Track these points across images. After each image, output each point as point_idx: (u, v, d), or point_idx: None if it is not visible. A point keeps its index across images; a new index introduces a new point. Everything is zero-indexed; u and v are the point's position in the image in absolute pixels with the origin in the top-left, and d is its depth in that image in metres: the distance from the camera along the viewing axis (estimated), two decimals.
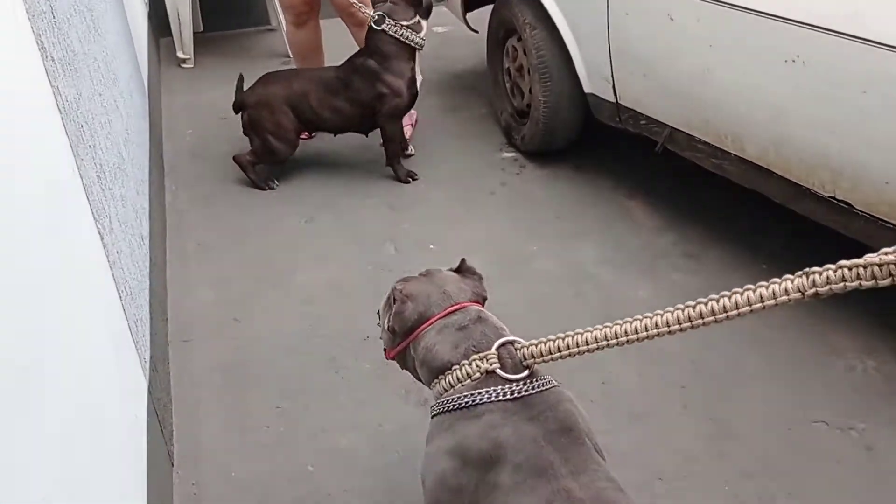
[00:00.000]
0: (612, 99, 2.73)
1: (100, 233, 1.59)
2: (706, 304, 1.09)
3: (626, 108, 2.69)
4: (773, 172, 2.24)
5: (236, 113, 3.10)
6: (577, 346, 1.22)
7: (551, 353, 1.25)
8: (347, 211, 2.94)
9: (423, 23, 3.01)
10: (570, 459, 1.21)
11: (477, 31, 3.55)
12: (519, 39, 3.11)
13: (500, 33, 3.26)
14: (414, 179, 3.11)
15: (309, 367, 2.22)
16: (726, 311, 1.08)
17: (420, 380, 1.46)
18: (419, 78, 3.12)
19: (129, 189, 2.11)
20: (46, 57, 1.41)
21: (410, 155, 3.26)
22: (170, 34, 4.24)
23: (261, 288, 2.55)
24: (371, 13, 2.98)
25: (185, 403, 2.12)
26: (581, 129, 3.09)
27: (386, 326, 1.46)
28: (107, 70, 2.15)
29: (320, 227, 2.86)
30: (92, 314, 1.42)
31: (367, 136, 3.20)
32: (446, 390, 1.33)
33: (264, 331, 2.37)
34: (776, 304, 1.03)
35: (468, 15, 3.51)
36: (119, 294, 1.66)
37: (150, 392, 1.80)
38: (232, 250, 2.74)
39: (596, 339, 1.20)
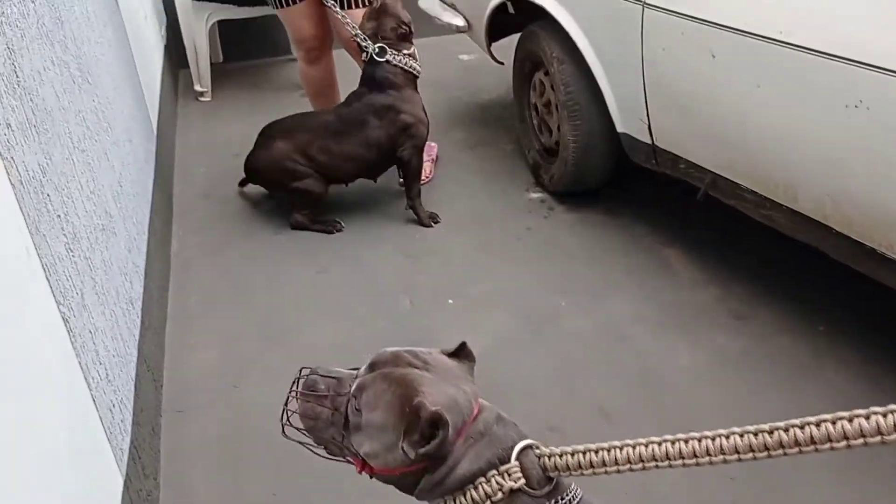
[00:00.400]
0: (648, 140, 2.51)
1: (63, 317, 1.41)
2: (770, 433, 0.89)
3: (664, 150, 2.47)
4: (832, 228, 1.99)
5: (250, 183, 3.00)
6: (616, 463, 1.00)
7: (581, 468, 1.03)
8: (361, 260, 2.75)
9: (416, 50, 2.91)
10: None
11: (502, 63, 3.35)
12: (546, 73, 2.90)
13: (527, 66, 3.06)
14: (436, 223, 2.91)
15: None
16: (783, 448, 0.89)
17: (407, 491, 1.13)
18: None
19: (116, 250, 1.94)
20: None
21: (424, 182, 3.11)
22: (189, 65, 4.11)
23: (265, 348, 2.36)
24: (371, 46, 2.81)
25: (174, 483, 1.93)
26: (614, 170, 2.87)
27: (412, 456, 1.06)
28: (96, 120, 1.99)
29: (332, 279, 2.67)
30: (45, 420, 1.24)
31: (375, 182, 3.01)
32: None
33: (264, 400, 2.16)
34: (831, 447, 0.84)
35: (494, 45, 3.31)
36: (88, 383, 1.48)
37: (126, 486, 1.61)
38: (237, 305, 2.56)
39: (639, 457, 0.98)
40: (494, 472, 1.05)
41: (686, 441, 0.95)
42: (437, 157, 3.31)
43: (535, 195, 3.08)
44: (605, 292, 2.51)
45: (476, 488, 1.06)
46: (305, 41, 3.11)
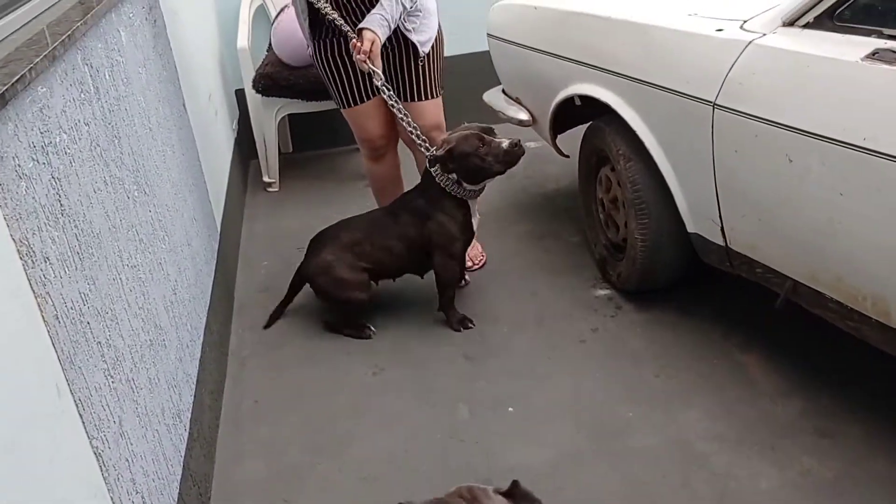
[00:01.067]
0: (721, 242, 2.36)
1: (96, 451, 1.36)
2: None
3: (738, 253, 2.32)
4: None
5: (300, 287, 2.95)
6: None
7: None
8: (418, 362, 2.65)
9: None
10: None
11: (568, 157, 3.27)
12: (612, 169, 2.80)
13: (593, 161, 2.97)
14: (468, 327, 2.81)
15: None
16: None
17: None
18: (476, 218, 2.86)
19: (165, 364, 1.90)
20: (34, 262, 1.22)
21: (465, 285, 3.05)
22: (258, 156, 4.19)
23: (316, 460, 2.28)
24: (431, 150, 2.77)
25: None
26: (685, 269, 2.72)
27: None
28: (151, 231, 1.99)
29: (388, 382, 2.58)
30: None
31: (422, 278, 2.94)
32: None
33: None
34: None
35: (559, 137, 3.24)
36: None
37: None
38: (290, 410, 2.49)
39: None
40: None
41: None
42: (484, 263, 3.24)
43: (602, 292, 2.95)
44: (676, 403, 2.34)
45: None
46: (370, 141, 3.09)
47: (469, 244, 2.93)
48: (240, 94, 4.14)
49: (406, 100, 2.94)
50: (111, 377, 1.49)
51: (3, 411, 1.05)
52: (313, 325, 2.91)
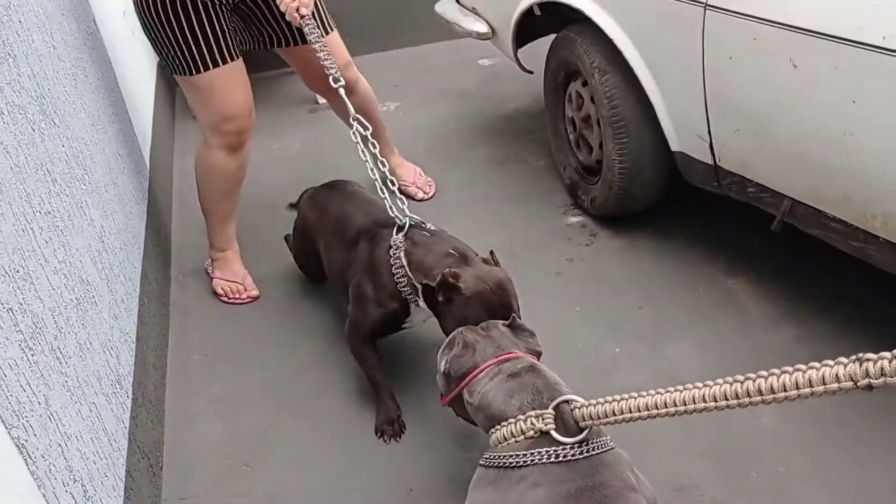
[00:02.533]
0: (709, 160, 2.17)
1: (18, 443, 1.10)
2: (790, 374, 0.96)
3: (729, 172, 2.13)
4: None
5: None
6: (639, 409, 1.14)
7: (609, 415, 1.20)
8: (407, 338, 2.41)
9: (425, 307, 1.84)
10: None
11: (531, 72, 3.02)
12: (584, 84, 2.57)
13: (561, 76, 2.73)
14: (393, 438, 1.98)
15: None
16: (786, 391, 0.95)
17: (477, 425, 1.48)
18: (421, 316, 1.96)
19: (98, 323, 1.63)
20: None
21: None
22: None
23: (280, 419, 2.05)
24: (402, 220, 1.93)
25: None
26: (664, 191, 2.54)
27: (442, 370, 1.56)
28: (67, 170, 1.68)
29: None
30: None
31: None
32: (500, 443, 1.35)
33: (281, 484, 1.87)
34: (825, 391, 0.93)
35: (520, 51, 2.97)
36: None
37: None
38: (245, 364, 2.25)
39: (662, 404, 1.12)
40: (531, 413, 1.31)
41: (712, 385, 1.04)
42: (435, 192, 2.97)
43: (575, 219, 2.75)
44: (664, 336, 2.19)
45: (514, 424, 1.32)
46: (236, 118, 2.27)
47: (387, 330, 2.01)
48: None
49: (298, 42, 2.38)
50: (30, 349, 1.22)
51: None
52: (265, 265, 2.63)
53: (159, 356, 2.18)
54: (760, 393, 0.98)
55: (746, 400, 1.00)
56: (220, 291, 2.53)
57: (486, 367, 1.46)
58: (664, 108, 2.24)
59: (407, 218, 1.92)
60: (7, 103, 1.40)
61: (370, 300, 1.93)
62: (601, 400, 1.22)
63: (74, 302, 1.51)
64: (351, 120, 2.06)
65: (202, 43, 2.14)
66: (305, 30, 2.17)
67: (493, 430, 1.38)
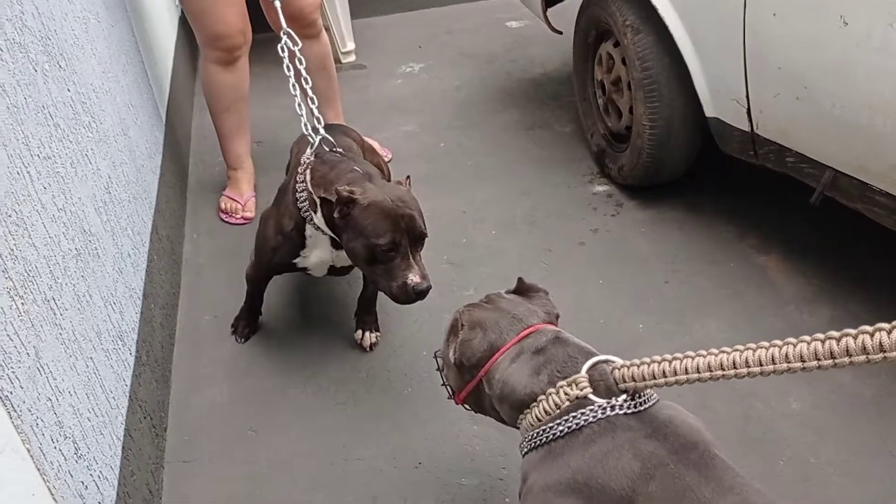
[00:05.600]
0: (746, 127, 2.06)
1: (0, 395, 1.04)
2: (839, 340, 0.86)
3: (766, 140, 2.02)
4: None
5: None
6: (685, 371, 1.01)
7: (655, 377, 1.05)
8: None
9: (322, 224, 1.77)
10: (710, 477, 1.04)
11: (560, 33, 2.90)
12: (616, 45, 2.45)
13: (591, 36, 2.61)
14: (234, 337, 2.13)
15: None
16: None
17: (503, 421, 1.31)
18: (317, 258, 1.88)
19: (99, 276, 1.57)
20: None
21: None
22: None
23: (287, 382, 1.99)
24: (313, 138, 1.90)
25: None
26: (694, 161, 2.43)
27: (452, 360, 1.32)
28: (72, 115, 1.61)
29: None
30: None
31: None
32: (534, 426, 1.18)
33: (287, 449, 1.81)
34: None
35: (550, 11, 2.85)
36: (44, 475, 1.12)
37: None
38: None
39: (708, 366, 0.99)
40: (563, 383, 1.15)
41: (755, 350, 0.94)
42: (390, 158, 2.84)
43: (601, 188, 2.64)
44: (691, 312, 2.09)
45: (547, 399, 1.15)
46: (227, 37, 2.40)
47: (292, 269, 1.94)
48: None
49: None
50: (20, 297, 1.16)
51: None
52: None
53: (168, 315, 2.12)
54: (802, 360, 0.90)
55: (798, 365, 0.90)
56: (221, 206, 2.67)
57: (506, 349, 1.25)
58: (700, 70, 2.12)
59: (319, 137, 1.89)
60: (6, 40, 1.32)
61: (270, 225, 1.89)
62: (644, 360, 1.08)
63: (74, 252, 1.45)
64: (281, 33, 2.09)
65: None
66: None
67: (520, 418, 1.22)
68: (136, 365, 1.70)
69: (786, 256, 2.24)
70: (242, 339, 2.12)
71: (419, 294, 1.66)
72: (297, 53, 2.07)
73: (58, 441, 1.20)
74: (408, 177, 1.85)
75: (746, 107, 2.02)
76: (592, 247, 2.38)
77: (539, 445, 1.16)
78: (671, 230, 2.41)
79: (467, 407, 1.38)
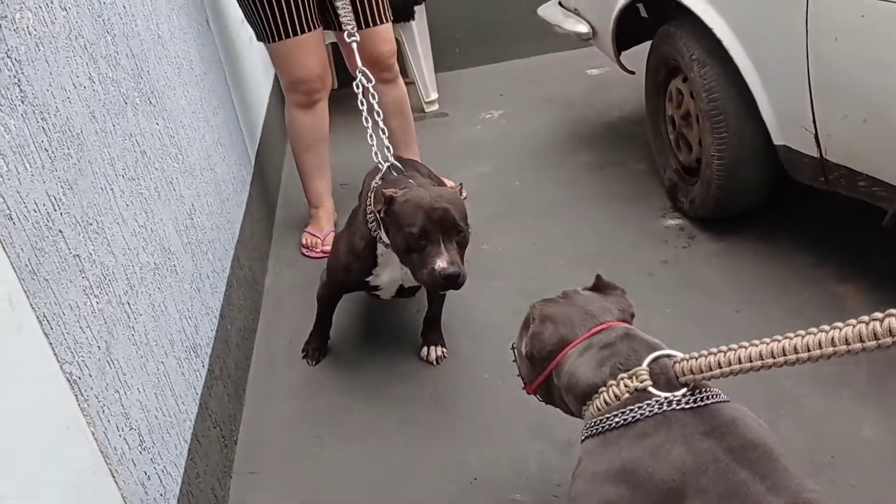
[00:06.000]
0: (815, 153, 2.02)
1: (70, 378, 1.16)
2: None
3: (836, 165, 1.98)
4: None
5: None
6: (745, 360, 1.05)
7: (711, 369, 1.09)
8: (467, 299, 2.39)
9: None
10: (766, 476, 1.03)
11: (633, 73, 2.94)
12: (685, 80, 2.47)
13: (661, 74, 2.64)
14: (307, 360, 2.24)
15: None
16: None
17: (570, 412, 1.36)
18: (389, 277, 2.00)
19: (176, 291, 1.70)
20: None
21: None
22: None
23: (352, 402, 2.07)
24: (383, 163, 2.05)
25: None
26: (767, 191, 2.39)
27: (524, 352, 1.38)
28: (159, 146, 1.78)
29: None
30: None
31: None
32: (594, 416, 1.22)
33: (349, 460, 1.87)
34: None
35: (623, 54, 2.91)
36: (106, 457, 1.22)
37: None
38: (327, 351, 2.29)
39: (771, 353, 1.01)
40: (624, 376, 1.18)
41: (804, 336, 0.97)
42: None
43: (673, 222, 2.63)
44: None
45: (608, 391, 1.19)
46: (307, 81, 2.59)
47: (351, 287, 2.10)
48: None
49: (361, 26, 2.55)
50: (95, 296, 1.29)
51: None
52: None
53: (245, 338, 2.25)
54: (861, 340, 0.90)
55: (858, 346, 0.91)
56: (303, 241, 2.83)
57: (576, 344, 1.28)
58: (765, 98, 2.11)
59: (388, 163, 2.02)
60: (100, 73, 1.49)
61: (343, 245, 2.03)
62: (702, 353, 1.11)
63: (152, 266, 1.58)
64: (357, 71, 2.24)
65: (279, 14, 2.45)
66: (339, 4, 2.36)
67: (584, 409, 1.26)
68: (207, 377, 1.81)
69: (865, 286, 2.16)
70: (313, 363, 2.22)
71: (446, 279, 1.72)
72: (371, 89, 2.22)
73: (123, 430, 1.30)
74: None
75: (814, 132, 2.00)
76: (661, 277, 2.36)
77: (595, 434, 1.20)
78: (744, 260, 2.37)
79: (539, 398, 1.44)
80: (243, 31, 3.15)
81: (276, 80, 3.80)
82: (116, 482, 1.24)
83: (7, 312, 1.02)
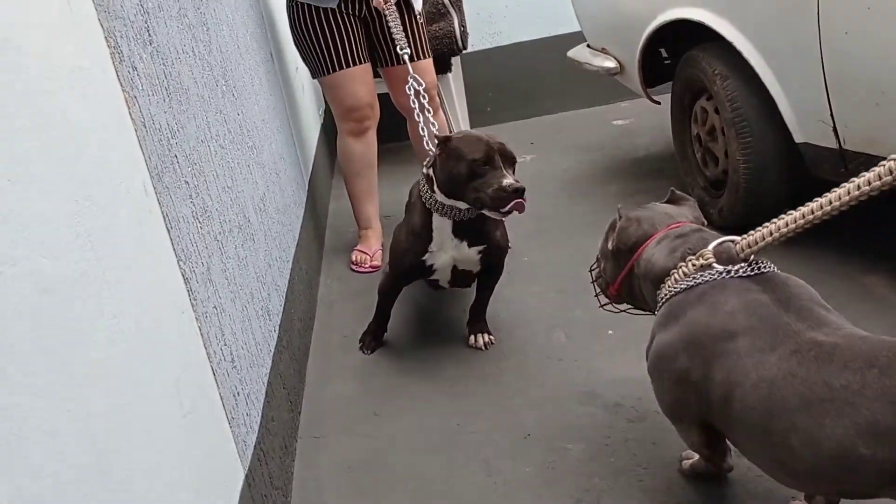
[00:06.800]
0: (834, 144, 2.19)
1: (184, 275, 1.32)
2: None
3: (855, 153, 2.14)
4: None
5: None
6: (792, 222, 1.25)
7: (765, 238, 1.28)
8: (507, 300, 2.53)
9: (436, 187, 2.08)
10: (808, 318, 1.19)
11: (659, 103, 3.16)
12: (708, 98, 2.67)
13: (686, 98, 2.85)
14: (362, 349, 2.36)
15: (456, 470, 1.79)
16: None
17: (646, 306, 1.55)
18: (446, 256, 2.16)
19: (255, 256, 1.87)
20: (121, 60, 1.21)
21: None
22: None
23: (407, 381, 2.19)
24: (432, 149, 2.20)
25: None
26: (791, 193, 2.54)
27: (609, 249, 1.58)
28: (238, 130, 1.99)
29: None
30: (154, 370, 1.11)
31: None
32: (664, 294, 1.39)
33: (406, 427, 1.98)
34: None
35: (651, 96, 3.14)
36: (207, 351, 1.36)
37: (248, 483, 1.45)
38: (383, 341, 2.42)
39: (811, 211, 1.23)
40: (692, 257, 1.36)
41: (839, 188, 1.17)
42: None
43: None
44: None
45: (678, 271, 1.37)
46: (358, 109, 2.84)
47: (413, 277, 2.27)
48: None
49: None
50: (198, 221, 1.46)
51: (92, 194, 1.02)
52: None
53: (304, 329, 2.40)
54: (880, 178, 1.09)
55: (878, 184, 1.09)
56: (352, 258, 3.01)
57: (657, 237, 1.48)
58: (785, 100, 2.31)
59: (437, 144, 2.15)
60: (197, 50, 1.72)
61: (402, 231, 2.22)
62: (757, 229, 1.31)
63: (236, 224, 1.76)
64: (409, 77, 2.46)
65: (332, 51, 2.76)
66: (387, 16, 2.62)
67: (658, 294, 1.42)
68: (278, 343, 1.95)
69: (892, 273, 2.27)
70: (369, 352, 2.35)
71: (515, 191, 1.93)
72: (421, 91, 2.46)
73: (219, 340, 1.45)
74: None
75: (832, 124, 2.17)
76: None
77: (663, 304, 1.38)
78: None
79: (615, 308, 1.70)
80: (298, 77, 3.44)
81: (323, 129, 4.08)
82: (216, 379, 1.38)
83: (142, 196, 1.20)
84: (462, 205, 2.06)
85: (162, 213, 1.26)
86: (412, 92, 2.44)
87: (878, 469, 1.09)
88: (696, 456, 1.61)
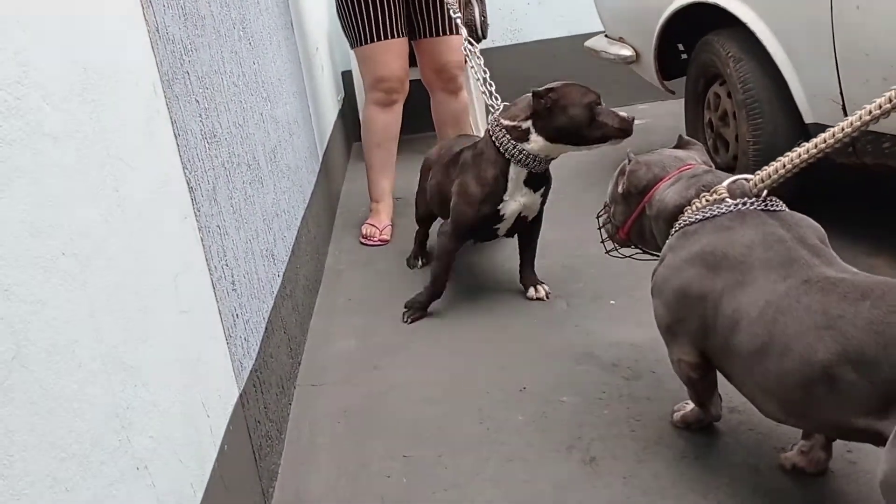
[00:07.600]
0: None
1: (189, 184, 1.34)
2: None
3: (863, 132, 2.14)
4: None
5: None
6: (804, 153, 1.30)
7: (778, 172, 1.34)
8: (511, 271, 2.54)
9: (537, 137, 2.15)
10: (822, 255, 1.25)
11: (674, 92, 3.18)
12: (722, 83, 2.69)
13: (700, 85, 2.86)
14: (405, 320, 2.30)
15: (450, 418, 1.80)
16: None
17: (656, 249, 1.53)
18: (516, 203, 2.25)
19: (262, 197, 1.90)
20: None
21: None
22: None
23: (409, 339, 2.20)
24: (496, 102, 2.33)
25: (298, 447, 1.76)
26: (800, 180, 2.54)
27: (620, 192, 1.59)
28: (254, 81, 2.02)
29: (484, 287, 2.49)
30: (154, 263, 1.14)
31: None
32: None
33: (404, 379, 1.99)
34: None
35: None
36: (207, 263, 1.38)
37: (243, 404, 1.46)
38: (384, 304, 2.43)
39: (823, 140, 1.28)
40: (706, 193, 1.39)
41: (844, 120, 1.24)
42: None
43: None
44: None
45: (691, 207, 1.40)
46: (390, 80, 2.89)
47: (482, 233, 2.35)
48: (346, 76, 4.27)
49: (437, 34, 2.92)
50: (207, 142, 1.49)
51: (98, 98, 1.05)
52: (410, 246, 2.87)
53: (309, 288, 2.42)
54: (881, 107, 1.21)
55: (878, 112, 1.21)
56: (362, 231, 3.03)
57: (669, 178, 1.50)
58: (797, 80, 2.32)
59: (501, 103, 2.29)
60: (238, 56, 1.77)
61: (471, 182, 2.23)
62: (770, 163, 1.36)
63: (245, 162, 1.79)
64: (463, 39, 2.52)
65: (371, 21, 2.83)
66: (453, 5, 2.69)
67: (671, 232, 1.43)
68: (281, 289, 1.97)
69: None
70: (409, 320, 2.29)
71: (631, 121, 2.24)
72: (476, 52, 2.50)
73: (220, 258, 1.47)
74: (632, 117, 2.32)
75: (842, 103, 2.18)
76: None
77: (677, 232, 1.40)
78: None
79: (621, 253, 1.72)
80: (318, 56, 3.49)
81: (341, 114, 4.12)
82: (215, 293, 1.40)
83: (152, 96, 1.23)
84: (543, 154, 2.17)
85: (170, 118, 1.30)
86: (467, 50, 2.50)
87: (866, 394, 1.10)
88: (688, 407, 1.61)
